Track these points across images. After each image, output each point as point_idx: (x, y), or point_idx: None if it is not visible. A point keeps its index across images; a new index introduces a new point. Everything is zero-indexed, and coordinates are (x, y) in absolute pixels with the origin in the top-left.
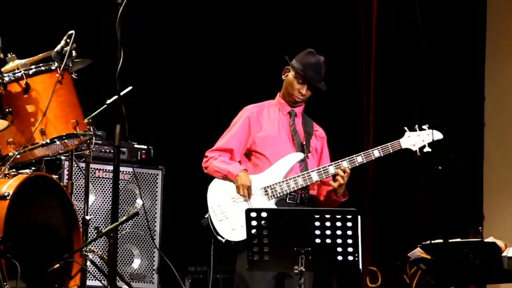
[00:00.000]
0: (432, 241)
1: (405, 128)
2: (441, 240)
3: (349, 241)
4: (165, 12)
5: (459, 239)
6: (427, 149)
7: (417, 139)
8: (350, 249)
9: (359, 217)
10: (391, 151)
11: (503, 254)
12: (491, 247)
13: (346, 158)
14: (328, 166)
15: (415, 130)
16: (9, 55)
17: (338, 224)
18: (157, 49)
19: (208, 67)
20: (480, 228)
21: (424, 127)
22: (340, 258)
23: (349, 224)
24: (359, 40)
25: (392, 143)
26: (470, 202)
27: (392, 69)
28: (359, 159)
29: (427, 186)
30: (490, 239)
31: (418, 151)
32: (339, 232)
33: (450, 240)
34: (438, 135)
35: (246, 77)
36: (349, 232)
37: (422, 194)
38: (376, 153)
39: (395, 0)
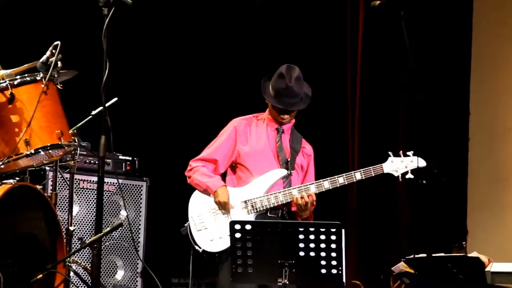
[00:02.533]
0: (416, 256)
1: (389, 153)
2: (425, 255)
3: (333, 254)
4: (151, 23)
5: (442, 254)
6: (409, 175)
7: (400, 165)
8: (334, 262)
9: (343, 230)
10: (373, 175)
11: (486, 269)
12: (475, 262)
13: (328, 178)
14: (310, 184)
15: (399, 156)
16: None
17: (322, 237)
18: (142, 61)
19: (193, 78)
20: (464, 243)
21: (408, 153)
22: (323, 271)
23: (333, 237)
24: (345, 56)
25: (375, 167)
26: (454, 217)
27: (378, 83)
28: (341, 180)
29: (411, 200)
30: (473, 254)
31: (400, 177)
32: (323, 245)
33: (434, 255)
34: (421, 163)
35: (233, 88)
36: (333, 246)
37: (406, 208)
38: (357, 175)
39: (381, 16)
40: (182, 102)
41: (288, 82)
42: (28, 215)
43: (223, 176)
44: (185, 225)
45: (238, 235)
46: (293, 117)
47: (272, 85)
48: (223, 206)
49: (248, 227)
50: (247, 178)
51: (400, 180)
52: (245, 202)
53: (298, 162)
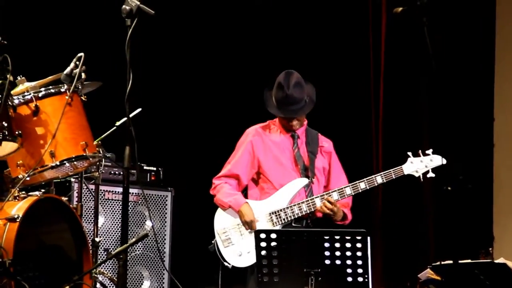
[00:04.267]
0: (442, 262)
1: (408, 153)
2: (451, 261)
3: (359, 262)
4: (175, 33)
5: (469, 260)
6: (430, 174)
7: (419, 165)
8: (359, 270)
9: (368, 238)
10: (394, 177)
11: None
12: (502, 268)
13: (350, 184)
14: (332, 192)
15: (419, 156)
16: (19, 78)
17: (348, 245)
18: (166, 71)
19: (216, 89)
20: (490, 249)
21: (427, 152)
22: (350, 279)
23: (358, 245)
24: (368, 61)
25: (395, 169)
26: (480, 223)
27: (401, 88)
28: (362, 185)
29: (437, 207)
30: (500, 260)
31: (421, 177)
32: (348, 253)
33: (460, 261)
34: (441, 161)
35: (253, 97)
36: (359, 253)
37: (432, 214)
38: (379, 179)
39: (404, 20)
40: (206, 112)
41: (287, 90)
42: (54, 227)
43: (246, 189)
44: (212, 242)
45: (263, 244)
46: (303, 120)
47: (273, 95)
48: (250, 225)
49: (273, 236)
50: (269, 190)
51: (422, 180)
52: (270, 214)
53: (319, 165)
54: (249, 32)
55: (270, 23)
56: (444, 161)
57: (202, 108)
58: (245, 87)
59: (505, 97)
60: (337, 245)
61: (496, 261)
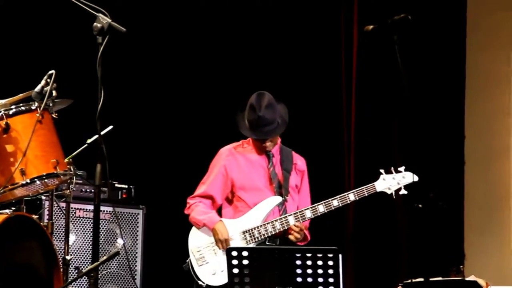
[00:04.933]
0: (413, 280)
1: (381, 170)
2: (422, 279)
3: (331, 280)
4: (147, 50)
5: (440, 278)
6: (403, 191)
7: (392, 182)
8: None
9: (340, 255)
10: (366, 195)
11: None
12: (472, 286)
13: (322, 202)
14: (305, 210)
15: (391, 173)
16: None
17: (320, 262)
18: (137, 88)
19: (188, 108)
20: (461, 266)
21: (400, 169)
22: None
23: (330, 262)
24: (340, 77)
25: (367, 187)
26: (451, 240)
27: (373, 106)
28: (335, 202)
29: (408, 224)
30: (471, 278)
31: (393, 194)
32: (320, 271)
33: (431, 279)
34: (413, 178)
35: (226, 116)
36: (330, 271)
37: (404, 232)
38: (351, 196)
39: (375, 38)
40: (178, 130)
41: (258, 112)
42: (25, 245)
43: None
44: (187, 261)
45: (235, 262)
46: (277, 139)
47: (246, 117)
48: (224, 243)
49: (245, 253)
50: (243, 208)
51: (394, 197)
52: (243, 232)
53: (292, 183)
54: (221, 51)
55: (242, 42)
56: (416, 178)
57: (175, 127)
58: (217, 105)
59: (476, 115)
60: (309, 262)
61: (467, 278)
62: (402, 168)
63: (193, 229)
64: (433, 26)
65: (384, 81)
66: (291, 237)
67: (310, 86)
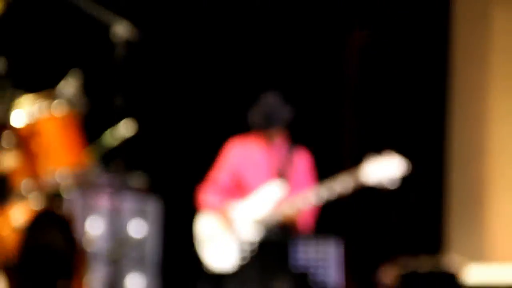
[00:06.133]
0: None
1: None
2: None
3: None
4: (159, 46)
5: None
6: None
7: (378, 170)
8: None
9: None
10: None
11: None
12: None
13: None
14: (310, 194)
15: (377, 160)
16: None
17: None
18: (160, 83)
19: (199, 100)
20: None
21: (386, 154)
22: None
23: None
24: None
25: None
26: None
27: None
28: (338, 188)
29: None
30: (450, 260)
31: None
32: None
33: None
34: (400, 164)
35: (236, 109)
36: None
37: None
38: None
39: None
40: (189, 123)
41: (270, 101)
42: (51, 235)
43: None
44: (195, 245)
45: (244, 252)
46: (284, 131)
47: (258, 110)
48: (229, 225)
49: (252, 245)
50: (248, 196)
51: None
52: (250, 218)
53: (297, 171)
54: (230, 47)
55: (249, 37)
56: (404, 164)
57: (186, 120)
58: (228, 97)
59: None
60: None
61: (445, 259)
62: (388, 154)
63: (201, 215)
64: (414, 36)
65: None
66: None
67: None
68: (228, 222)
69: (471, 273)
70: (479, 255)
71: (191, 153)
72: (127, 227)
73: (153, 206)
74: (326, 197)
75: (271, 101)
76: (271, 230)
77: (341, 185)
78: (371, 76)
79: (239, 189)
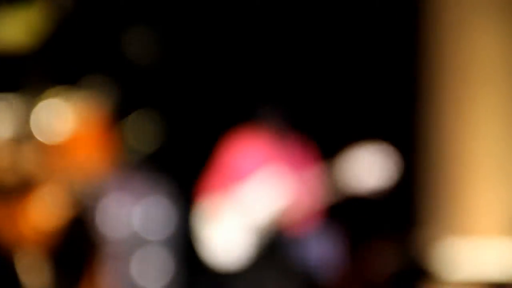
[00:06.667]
0: None
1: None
2: None
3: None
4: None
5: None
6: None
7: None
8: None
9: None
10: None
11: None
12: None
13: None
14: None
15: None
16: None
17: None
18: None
19: (204, 96)
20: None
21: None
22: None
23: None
24: None
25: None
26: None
27: None
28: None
29: None
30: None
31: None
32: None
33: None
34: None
35: (240, 104)
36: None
37: None
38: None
39: None
40: (193, 118)
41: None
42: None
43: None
44: (201, 237)
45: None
46: (286, 125)
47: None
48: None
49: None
50: (247, 197)
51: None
52: (246, 222)
53: (300, 172)
54: (235, 44)
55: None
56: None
57: (191, 115)
58: (232, 93)
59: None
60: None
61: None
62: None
63: (206, 207)
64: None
65: None
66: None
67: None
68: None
69: (445, 246)
70: (454, 228)
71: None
72: (150, 226)
73: (176, 207)
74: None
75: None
76: (271, 231)
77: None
78: None
79: (237, 188)
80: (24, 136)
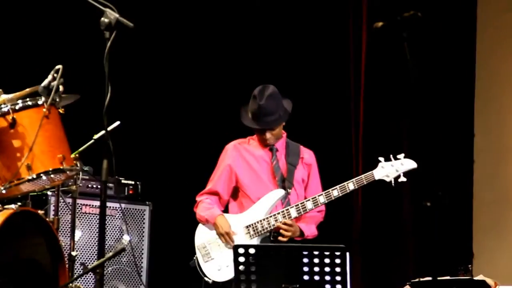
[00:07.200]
0: (421, 279)
1: (380, 158)
2: (430, 278)
3: (338, 278)
4: (152, 46)
5: (448, 277)
6: (402, 179)
7: (390, 169)
8: (338, 286)
9: (347, 253)
10: (365, 183)
11: None
12: (481, 285)
13: (323, 192)
14: (306, 201)
15: (390, 160)
16: None
17: (327, 260)
18: (144, 84)
19: (195, 103)
20: (470, 266)
21: (399, 156)
22: None
23: (337, 260)
24: (348, 75)
25: (366, 175)
26: (460, 240)
27: (382, 103)
28: (335, 192)
29: (416, 223)
30: (480, 277)
31: (392, 182)
32: (327, 269)
33: (439, 278)
34: (412, 164)
35: (233, 112)
36: (338, 269)
37: (412, 230)
38: (351, 186)
39: (384, 34)
40: (184, 126)
41: (260, 101)
42: (30, 240)
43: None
44: (194, 258)
45: (241, 259)
46: (281, 133)
47: (248, 108)
48: (225, 236)
49: (251, 251)
50: (247, 204)
51: (393, 185)
52: (246, 227)
53: (298, 176)
54: (228, 47)
55: (249, 38)
56: (415, 165)
57: (181, 123)
58: (225, 101)
59: (486, 112)
60: (316, 260)
61: (475, 278)
62: (401, 155)
63: (200, 225)
64: (443, 24)
65: (393, 78)
66: (280, 238)
67: (319, 83)
68: (221, 231)
69: None
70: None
71: (184, 158)
72: (116, 233)
73: (143, 213)
74: (323, 202)
75: (261, 98)
76: (272, 240)
77: (339, 191)
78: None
79: (238, 195)
80: None
